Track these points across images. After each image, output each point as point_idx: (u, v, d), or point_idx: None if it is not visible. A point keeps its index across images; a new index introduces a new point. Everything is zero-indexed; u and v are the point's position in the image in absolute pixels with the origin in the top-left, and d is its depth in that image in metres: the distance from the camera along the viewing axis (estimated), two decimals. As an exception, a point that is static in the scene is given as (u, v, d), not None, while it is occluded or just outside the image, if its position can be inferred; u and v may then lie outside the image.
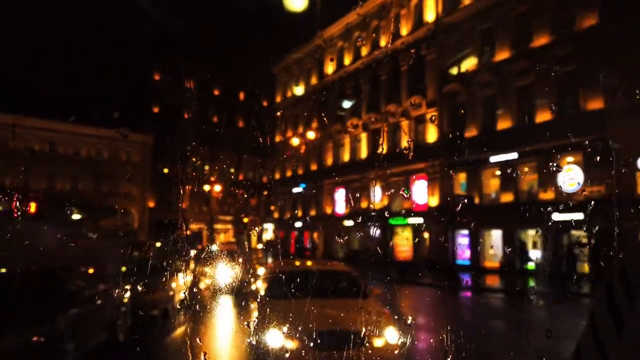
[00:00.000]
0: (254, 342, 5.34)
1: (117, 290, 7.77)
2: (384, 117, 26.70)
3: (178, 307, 10.07)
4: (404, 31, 25.94)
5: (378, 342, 5.20)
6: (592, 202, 17.22)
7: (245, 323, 6.76)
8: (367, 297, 6.25)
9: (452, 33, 22.71)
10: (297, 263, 9.50)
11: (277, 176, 38.21)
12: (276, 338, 5.20)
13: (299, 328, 5.05)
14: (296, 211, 35.95)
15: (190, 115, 54.86)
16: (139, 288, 8.48)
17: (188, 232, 38.56)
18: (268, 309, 5.81)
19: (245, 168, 53.83)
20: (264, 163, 50.71)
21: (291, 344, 5.10)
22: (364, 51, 29.03)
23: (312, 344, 4.95)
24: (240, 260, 14.51)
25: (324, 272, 7.11)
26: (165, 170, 49.42)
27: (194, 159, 49.10)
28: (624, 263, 0.88)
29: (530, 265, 18.87)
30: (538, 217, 18.59)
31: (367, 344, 5.09)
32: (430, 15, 24.39)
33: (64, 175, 45.25)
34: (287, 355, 5.01)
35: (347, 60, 30.32)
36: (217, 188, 50.14)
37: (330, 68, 32.07)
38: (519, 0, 19.67)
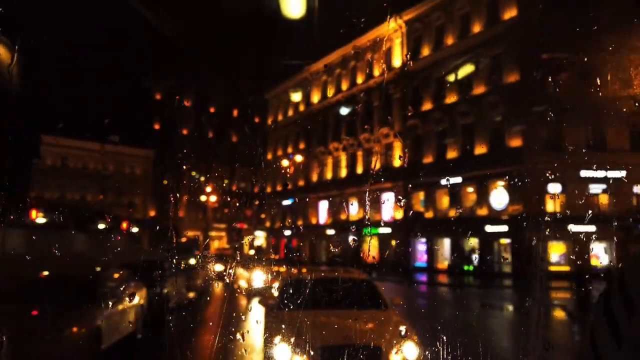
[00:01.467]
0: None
1: (175, 278, 12.62)
2: (359, 143, 31.92)
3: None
4: (376, 72, 31.24)
5: (395, 359, 4.89)
6: (515, 217, 22.56)
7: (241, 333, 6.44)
8: (387, 308, 6.03)
9: (414, 78, 28.03)
10: (307, 271, 8.66)
11: (269, 190, 43.14)
12: (284, 353, 4.95)
13: (309, 343, 4.86)
14: (285, 221, 40.89)
15: (187, 131, 59.42)
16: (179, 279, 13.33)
17: (184, 239, 43.17)
18: (277, 321, 5.64)
19: (238, 179, 58.41)
20: (256, 175, 55.43)
21: None
22: (344, 86, 34.27)
23: None
24: (234, 262, 19.44)
25: (339, 280, 6.81)
26: (165, 182, 53.72)
27: (192, 172, 53.94)
28: (623, 275, 0.88)
29: (469, 267, 24.10)
30: (476, 228, 23.83)
31: None
32: (397, 62, 29.71)
33: (73, 187, 49.32)
34: None
35: (330, 92, 35.55)
36: (213, 198, 54.52)
37: (315, 98, 37.28)
38: (461, 58, 25.02)
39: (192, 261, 15.85)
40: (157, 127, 58.35)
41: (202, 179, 55.57)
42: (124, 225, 29.92)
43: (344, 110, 34.43)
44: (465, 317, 11.44)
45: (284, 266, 14.78)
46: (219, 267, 16.05)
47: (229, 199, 56.72)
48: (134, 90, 54.71)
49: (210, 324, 9.67)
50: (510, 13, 23.14)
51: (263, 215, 49.56)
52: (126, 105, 53.67)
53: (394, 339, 4.97)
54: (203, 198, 53.29)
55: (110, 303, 7.64)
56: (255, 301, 9.37)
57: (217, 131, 60.21)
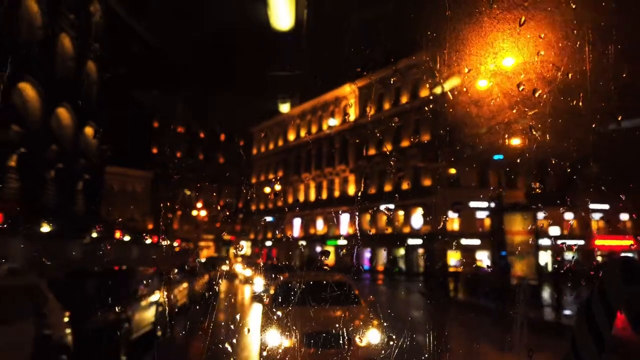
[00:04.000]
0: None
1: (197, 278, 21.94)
2: (324, 175, 41.86)
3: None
4: (337, 120, 41.30)
5: (361, 342, 6.07)
6: (427, 234, 32.69)
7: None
8: (359, 304, 7.31)
9: (362, 129, 38.12)
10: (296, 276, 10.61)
11: (254, 207, 52.66)
12: (275, 338, 6.09)
13: (297, 331, 6.01)
14: (267, 234, 50.48)
15: (181, 154, 68.60)
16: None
17: (177, 249, 52.10)
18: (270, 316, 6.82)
19: (224, 196, 67.55)
20: (239, 193, 64.73)
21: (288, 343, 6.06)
22: (313, 129, 44.27)
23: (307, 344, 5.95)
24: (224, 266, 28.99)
25: (323, 282, 7.99)
26: (161, 199, 62.44)
27: (185, 190, 63.30)
28: (603, 283, 0.93)
29: (397, 269, 34.15)
30: (402, 241, 33.88)
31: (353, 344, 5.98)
32: (352, 116, 39.85)
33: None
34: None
35: (302, 133, 45.50)
36: (203, 213, 63.43)
37: (291, 136, 47.19)
38: (394, 120, 35.23)
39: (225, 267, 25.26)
40: (154, 151, 67.24)
41: (189, 193, 64.17)
42: (117, 234, 38.65)
43: (333, 122, 43.49)
44: (408, 302, 20.34)
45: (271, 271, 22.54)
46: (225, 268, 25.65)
47: (217, 213, 65.61)
48: (135, 118, 63.20)
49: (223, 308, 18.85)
50: (424, 92, 33.47)
51: (247, 227, 58.91)
52: (128, 131, 62.15)
53: (361, 328, 6.19)
54: (194, 213, 62.20)
55: (140, 297, 8.52)
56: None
57: (206, 154, 69.34)
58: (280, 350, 5.88)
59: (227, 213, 64.32)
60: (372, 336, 6.11)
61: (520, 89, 5.37)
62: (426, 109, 32.66)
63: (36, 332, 5.36)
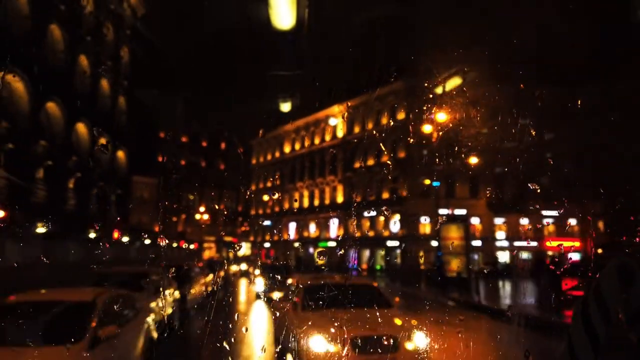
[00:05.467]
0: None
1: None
2: (316, 184, 47.49)
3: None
4: (327, 137, 46.95)
5: (409, 346, 5.88)
6: (403, 237, 38.44)
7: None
8: (392, 307, 7.27)
9: (348, 146, 43.77)
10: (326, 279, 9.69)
11: (253, 212, 58.23)
12: (321, 343, 5.89)
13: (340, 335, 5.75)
14: (265, 236, 56.12)
15: (185, 162, 74.11)
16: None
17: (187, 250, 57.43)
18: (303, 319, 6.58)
19: (225, 200, 73.05)
20: (239, 197, 70.28)
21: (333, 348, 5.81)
22: (306, 143, 49.89)
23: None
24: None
25: (350, 284, 7.95)
26: (167, 203, 67.63)
27: (188, 195, 68.78)
28: (599, 284, 0.93)
29: (379, 266, 39.86)
30: (382, 244, 39.60)
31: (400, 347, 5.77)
32: (340, 133, 45.50)
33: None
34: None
35: (297, 147, 51.12)
36: (205, 217, 68.83)
37: (287, 149, 52.79)
38: (374, 139, 40.87)
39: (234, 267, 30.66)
40: (160, 159, 72.57)
41: (192, 197, 69.46)
42: (115, 234, 43.71)
43: (333, 121, 48.48)
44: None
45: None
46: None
47: (218, 217, 71.07)
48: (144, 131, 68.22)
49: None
50: (401, 115, 39.16)
51: (245, 228, 64.48)
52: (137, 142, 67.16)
53: (406, 331, 6.04)
54: (197, 216, 67.62)
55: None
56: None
57: (208, 161, 74.77)
58: (327, 356, 5.73)
59: (226, 214, 69.53)
60: (418, 339, 6.06)
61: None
62: (400, 131, 38.37)
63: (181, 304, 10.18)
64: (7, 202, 20.52)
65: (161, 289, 9.11)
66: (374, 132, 41.75)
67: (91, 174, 27.14)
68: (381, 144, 40.68)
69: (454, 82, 18.93)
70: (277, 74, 34.37)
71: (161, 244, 49.41)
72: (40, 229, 18.91)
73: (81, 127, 26.04)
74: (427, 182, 37.88)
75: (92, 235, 26.01)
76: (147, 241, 43.09)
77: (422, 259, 34.65)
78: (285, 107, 42.30)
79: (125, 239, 41.58)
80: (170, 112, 70.53)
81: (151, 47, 34.83)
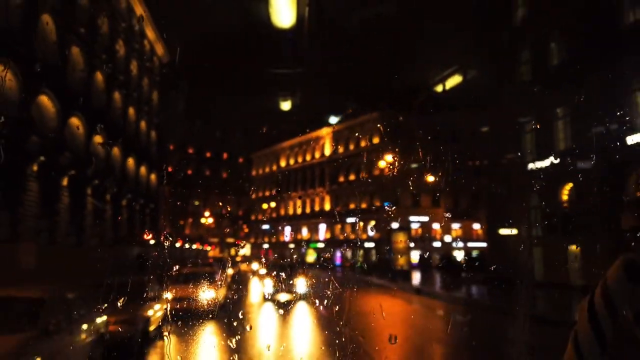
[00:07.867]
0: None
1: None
2: (307, 194, 56.06)
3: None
4: (317, 155, 55.52)
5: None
6: (378, 239, 47.04)
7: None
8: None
9: (335, 162, 52.33)
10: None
11: (253, 218, 66.76)
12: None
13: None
14: (264, 238, 64.69)
15: (192, 172, 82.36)
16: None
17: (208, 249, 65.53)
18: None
19: (227, 205, 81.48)
20: (240, 203, 78.71)
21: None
22: (299, 159, 58.44)
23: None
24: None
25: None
26: (177, 206, 75.59)
27: (194, 202, 77.21)
28: (606, 282, 0.91)
29: (359, 264, 48.47)
30: (362, 244, 48.17)
31: None
32: (327, 151, 54.06)
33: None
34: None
35: (291, 162, 59.67)
36: (210, 220, 77.08)
37: (283, 163, 61.34)
38: (355, 157, 49.37)
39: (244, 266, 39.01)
40: (170, 169, 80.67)
41: (198, 203, 77.78)
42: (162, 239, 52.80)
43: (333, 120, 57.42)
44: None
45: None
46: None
47: (221, 220, 79.47)
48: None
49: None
50: (376, 139, 47.68)
51: (247, 231, 72.97)
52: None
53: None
54: (202, 220, 75.91)
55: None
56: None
57: (212, 170, 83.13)
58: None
59: (229, 217, 77.79)
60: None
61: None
62: (374, 154, 46.90)
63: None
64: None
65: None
66: (355, 152, 50.42)
67: (135, 195, 34.86)
68: (361, 164, 49.36)
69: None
70: (277, 72, 34.65)
71: (176, 245, 57.55)
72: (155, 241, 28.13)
73: (116, 151, 34.00)
74: (399, 192, 46.43)
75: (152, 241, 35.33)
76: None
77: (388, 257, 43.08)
78: (286, 105, 42.66)
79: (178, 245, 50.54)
80: (176, 124, 78.52)
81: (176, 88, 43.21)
